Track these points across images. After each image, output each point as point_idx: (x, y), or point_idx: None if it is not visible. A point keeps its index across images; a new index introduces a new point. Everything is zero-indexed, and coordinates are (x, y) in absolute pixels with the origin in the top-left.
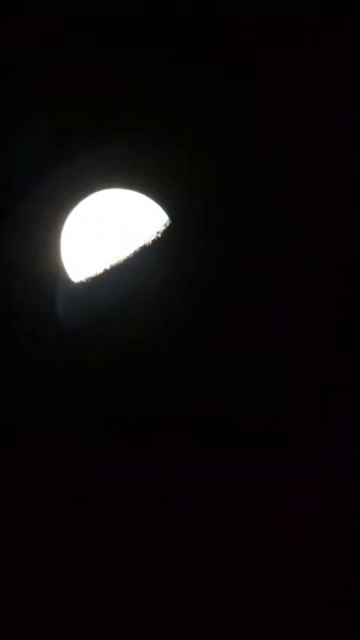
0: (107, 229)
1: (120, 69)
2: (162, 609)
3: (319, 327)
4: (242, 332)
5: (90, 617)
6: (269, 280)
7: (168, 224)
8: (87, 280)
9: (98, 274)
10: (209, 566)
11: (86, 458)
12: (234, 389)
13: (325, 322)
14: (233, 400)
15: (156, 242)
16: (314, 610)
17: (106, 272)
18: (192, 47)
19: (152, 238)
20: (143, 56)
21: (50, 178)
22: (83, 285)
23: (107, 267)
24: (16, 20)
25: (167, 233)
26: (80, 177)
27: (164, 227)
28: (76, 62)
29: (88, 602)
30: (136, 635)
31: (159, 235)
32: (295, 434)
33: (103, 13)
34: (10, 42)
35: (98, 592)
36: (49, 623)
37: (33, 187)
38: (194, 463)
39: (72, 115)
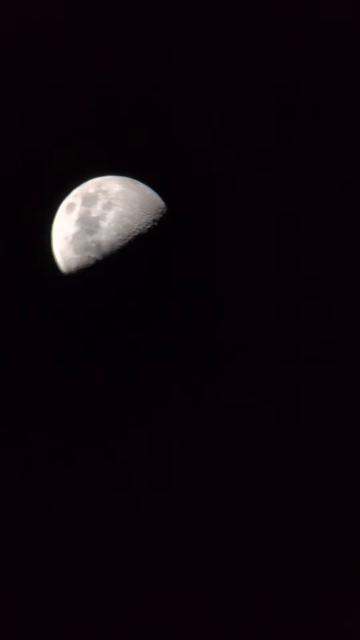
0: (103, 217)
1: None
2: None
3: None
4: None
5: None
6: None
7: (165, 212)
8: (80, 269)
9: (92, 263)
10: None
11: None
12: None
13: None
14: None
15: (153, 230)
16: None
17: (101, 261)
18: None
19: (149, 226)
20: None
21: (46, 167)
22: (76, 275)
23: (102, 256)
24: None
25: (164, 220)
26: (76, 164)
27: (161, 215)
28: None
29: None
30: None
31: (156, 223)
32: None
33: None
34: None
35: None
36: None
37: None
38: None
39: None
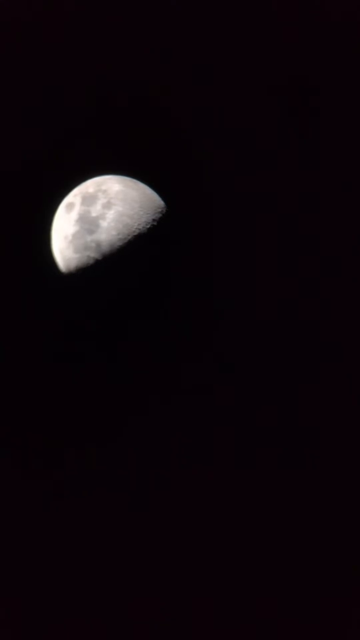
0: (102, 216)
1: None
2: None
3: None
4: None
5: None
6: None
7: (165, 211)
8: (80, 269)
9: (92, 263)
10: None
11: None
12: None
13: None
14: None
15: (152, 230)
16: None
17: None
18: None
19: (149, 226)
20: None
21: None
22: (76, 275)
23: (101, 255)
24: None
25: (164, 220)
26: (76, 164)
27: (160, 215)
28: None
29: None
30: None
31: (155, 222)
32: None
33: None
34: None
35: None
36: None
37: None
38: None
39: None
